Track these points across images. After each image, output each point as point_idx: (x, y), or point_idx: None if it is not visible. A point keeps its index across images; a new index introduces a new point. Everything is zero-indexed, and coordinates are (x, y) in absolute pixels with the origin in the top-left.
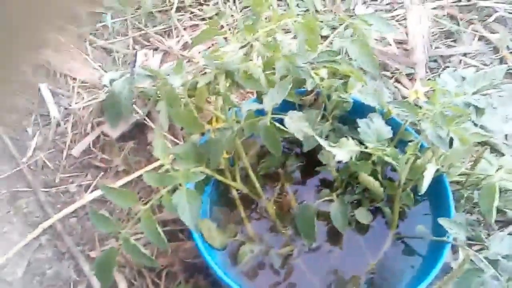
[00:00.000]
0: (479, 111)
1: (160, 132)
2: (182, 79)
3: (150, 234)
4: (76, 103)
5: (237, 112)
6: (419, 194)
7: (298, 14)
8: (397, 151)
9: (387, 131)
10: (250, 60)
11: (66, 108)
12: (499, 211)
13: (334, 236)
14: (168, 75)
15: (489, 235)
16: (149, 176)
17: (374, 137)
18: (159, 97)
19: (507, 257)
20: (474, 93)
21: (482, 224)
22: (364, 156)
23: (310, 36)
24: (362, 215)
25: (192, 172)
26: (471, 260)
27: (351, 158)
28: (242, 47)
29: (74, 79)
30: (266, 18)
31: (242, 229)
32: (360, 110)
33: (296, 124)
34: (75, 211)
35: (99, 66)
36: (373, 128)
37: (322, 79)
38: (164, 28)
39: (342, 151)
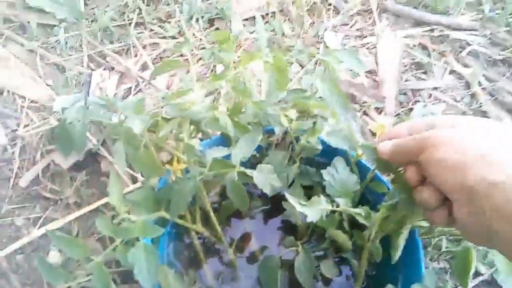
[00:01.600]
0: None
1: (116, 176)
2: (142, 124)
3: None
4: (24, 127)
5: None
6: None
7: (267, 53)
8: (369, 212)
9: (354, 183)
10: (217, 105)
11: (13, 131)
12: None
13: None
14: (126, 110)
15: (456, 285)
16: (103, 224)
17: (340, 190)
18: (114, 136)
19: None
20: None
21: (449, 273)
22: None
23: (280, 76)
24: (328, 268)
25: (150, 227)
26: None
27: None
28: (209, 94)
29: (23, 97)
30: (229, 65)
31: (201, 274)
32: (329, 150)
33: (265, 178)
34: (22, 247)
35: (51, 85)
36: (338, 180)
37: (290, 121)
38: (121, 46)
39: (313, 211)
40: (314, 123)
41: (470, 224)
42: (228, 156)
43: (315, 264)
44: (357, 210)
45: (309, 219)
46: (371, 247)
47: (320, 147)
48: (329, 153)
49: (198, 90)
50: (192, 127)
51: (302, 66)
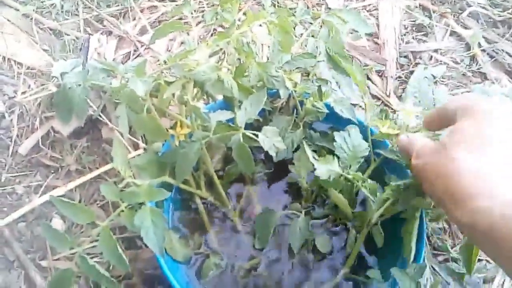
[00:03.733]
0: None
1: (119, 141)
2: (145, 86)
3: (110, 255)
4: (22, 93)
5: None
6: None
7: (272, 12)
8: (376, 188)
9: (364, 149)
10: (221, 67)
11: (10, 98)
12: None
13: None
14: (127, 73)
15: (454, 244)
16: (107, 189)
17: (349, 154)
18: (117, 100)
19: None
20: None
21: (447, 233)
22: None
23: (284, 37)
24: (323, 242)
25: (156, 190)
26: (436, 271)
27: None
28: (214, 54)
29: (19, 64)
30: (235, 21)
31: (206, 239)
32: (334, 116)
33: (270, 140)
34: (24, 215)
35: (47, 50)
36: (349, 143)
37: (295, 84)
38: (119, 10)
39: (324, 168)
40: (319, 87)
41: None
42: (231, 120)
43: (312, 237)
44: (367, 181)
45: (317, 173)
46: (373, 230)
47: (325, 111)
48: (334, 119)
49: (203, 50)
50: (196, 89)
51: (306, 29)
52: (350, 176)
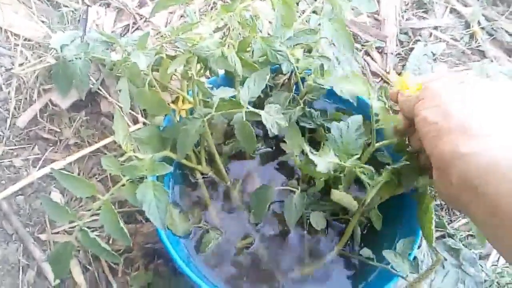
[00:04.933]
0: None
1: (120, 115)
2: (147, 59)
3: (111, 229)
4: (19, 65)
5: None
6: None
7: None
8: (373, 173)
9: (358, 147)
10: (225, 43)
11: (7, 70)
12: None
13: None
14: (129, 46)
15: (451, 221)
16: (108, 162)
17: (342, 149)
18: (117, 73)
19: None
20: None
21: (444, 209)
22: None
23: (287, 12)
24: (317, 219)
25: (158, 164)
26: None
27: None
28: (217, 30)
29: (17, 35)
30: None
31: (205, 214)
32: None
33: (273, 118)
34: (22, 189)
35: (45, 21)
36: (344, 137)
37: (297, 60)
38: None
39: (323, 162)
40: (322, 65)
41: (442, 191)
42: (233, 97)
43: (307, 214)
44: (364, 166)
45: (318, 169)
46: (372, 214)
47: (327, 87)
48: (336, 96)
49: (207, 23)
50: (199, 64)
51: (309, 5)
52: (346, 165)
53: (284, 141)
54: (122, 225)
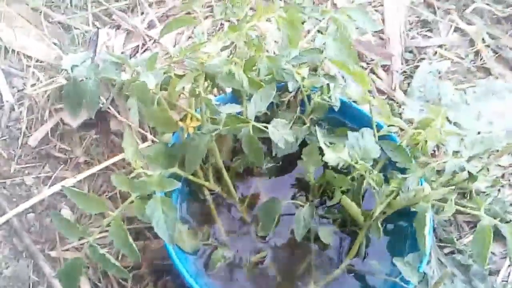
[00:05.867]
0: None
1: (130, 132)
2: (156, 78)
3: (121, 245)
4: (31, 86)
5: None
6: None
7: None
8: (382, 179)
9: (375, 152)
10: (232, 61)
11: (20, 91)
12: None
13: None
14: (138, 66)
15: (460, 237)
16: (119, 180)
17: (360, 153)
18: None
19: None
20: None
21: (453, 225)
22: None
23: (293, 32)
24: (326, 233)
25: (167, 180)
26: (442, 263)
27: (330, 168)
28: (225, 48)
29: (29, 57)
30: (247, 14)
31: (214, 231)
32: (341, 113)
33: (280, 133)
34: (33, 206)
35: (56, 43)
36: (361, 145)
37: (303, 78)
38: (127, 4)
39: (333, 155)
40: (328, 84)
41: None
42: (240, 113)
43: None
44: (374, 172)
45: (326, 159)
46: (372, 225)
47: (336, 103)
48: (341, 115)
49: (214, 43)
50: (206, 82)
51: (314, 26)
52: (358, 166)
53: (293, 158)
54: (131, 241)
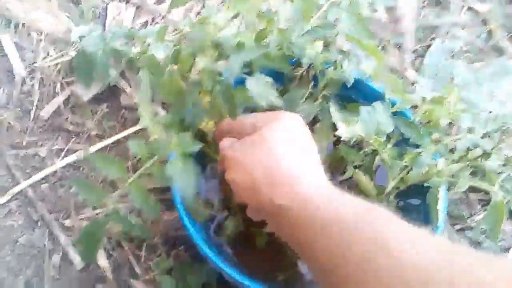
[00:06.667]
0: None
1: (145, 99)
2: (165, 50)
3: (142, 202)
4: (42, 59)
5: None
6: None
7: None
8: (396, 155)
9: (388, 126)
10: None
11: (31, 64)
12: (482, 189)
13: None
14: (148, 37)
15: (471, 214)
16: (136, 144)
17: (373, 128)
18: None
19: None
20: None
21: (464, 203)
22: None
23: (305, 5)
24: None
25: (187, 141)
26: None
27: (343, 142)
28: (234, 17)
29: (39, 31)
30: None
31: (226, 201)
32: (354, 89)
33: (261, 90)
34: (46, 177)
35: (66, 17)
36: (373, 119)
37: (316, 54)
38: None
39: (346, 130)
40: (342, 57)
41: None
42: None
43: None
44: (388, 146)
45: (338, 132)
46: (385, 199)
47: (349, 78)
48: (354, 91)
49: (224, 14)
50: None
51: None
52: (371, 141)
53: None
54: (152, 198)
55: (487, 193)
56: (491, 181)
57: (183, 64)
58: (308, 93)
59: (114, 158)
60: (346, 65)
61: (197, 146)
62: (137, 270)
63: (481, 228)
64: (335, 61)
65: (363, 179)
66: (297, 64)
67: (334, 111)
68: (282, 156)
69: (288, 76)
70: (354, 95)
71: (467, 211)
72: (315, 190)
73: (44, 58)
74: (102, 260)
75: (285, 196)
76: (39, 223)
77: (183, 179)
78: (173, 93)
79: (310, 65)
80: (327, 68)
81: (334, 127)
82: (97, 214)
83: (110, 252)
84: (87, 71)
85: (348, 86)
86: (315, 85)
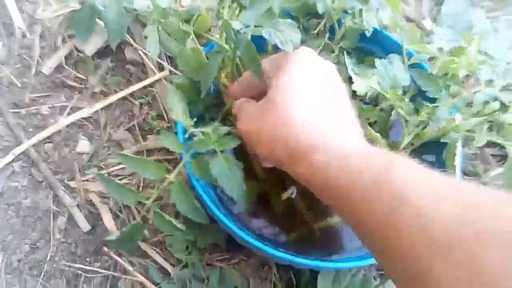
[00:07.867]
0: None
1: (174, 89)
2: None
3: (186, 208)
4: (42, 11)
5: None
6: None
7: None
8: (412, 109)
9: (405, 79)
10: None
11: (30, 16)
12: (497, 144)
13: None
14: None
15: (487, 170)
16: (168, 140)
17: (388, 81)
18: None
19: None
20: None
21: (479, 158)
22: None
23: None
24: None
25: (226, 138)
26: None
27: (359, 98)
28: None
29: None
30: None
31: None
32: (372, 41)
33: (286, 33)
34: (50, 137)
35: None
36: (389, 72)
37: (333, 1)
38: None
39: (362, 82)
40: (362, 4)
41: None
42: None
43: None
44: (404, 101)
45: (354, 87)
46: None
47: (370, 29)
48: (372, 43)
49: None
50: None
51: None
52: (387, 95)
53: None
54: (197, 203)
55: (502, 147)
56: (509, 135)
57: (199, 24)
58: (324, 44)
59: (149, 159)
60: (365, 13)
61: (237, 143)
62: (145, 231)
63: (496, 183)
64: (353, 11)
65: (376, 136)
66: (312, 15)
67: (349, 64)
68: (295, 122)
69: (304, 26)
70: (372, 46)
71: (481, 167)
72: (337, 157)
73: (44, 10)
74: (109, 222)
75: (306, 171)
76: (43, 185)
77: (230, 180)
78: (195, 68)
79: (325, 15)
80: (345, 18)
81: (351, 81)
82: (103, 174)
83: (117, 213)
84: (87, 24)
85: (368, 36)
86: (331, 38)
